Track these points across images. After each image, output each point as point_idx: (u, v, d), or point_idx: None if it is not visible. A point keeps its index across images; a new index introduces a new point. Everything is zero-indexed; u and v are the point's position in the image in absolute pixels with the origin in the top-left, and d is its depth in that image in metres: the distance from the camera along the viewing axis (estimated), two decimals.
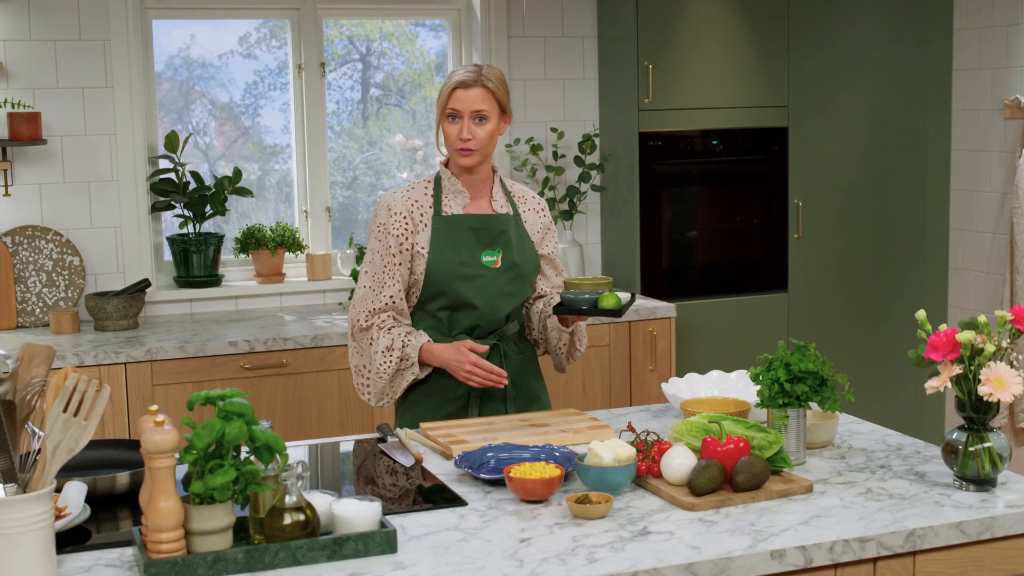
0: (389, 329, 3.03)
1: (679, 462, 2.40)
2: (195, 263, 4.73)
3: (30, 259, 4.52)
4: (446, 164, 3.13)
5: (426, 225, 3.06)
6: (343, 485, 2.62)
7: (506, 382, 2.99)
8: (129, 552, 2.14)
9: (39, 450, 2.06)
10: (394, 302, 3.05)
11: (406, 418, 3.12)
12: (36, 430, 2.13)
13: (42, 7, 4.49)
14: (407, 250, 3.04)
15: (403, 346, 3.01)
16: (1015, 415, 5.04)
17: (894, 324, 5.38)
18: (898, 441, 2.79)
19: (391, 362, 3.01)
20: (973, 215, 5.36)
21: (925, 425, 5.43)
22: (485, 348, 2.99)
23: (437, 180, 3.12)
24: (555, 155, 5.12)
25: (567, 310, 2.99)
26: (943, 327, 2.42)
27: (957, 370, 2.38)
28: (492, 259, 3.08)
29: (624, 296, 3.02)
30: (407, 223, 3.05)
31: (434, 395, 3.09)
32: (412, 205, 3.07)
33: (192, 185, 4.73)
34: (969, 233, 5.39)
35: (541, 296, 3.24)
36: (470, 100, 3.01)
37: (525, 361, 3.18)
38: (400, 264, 3.04)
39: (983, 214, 5.30)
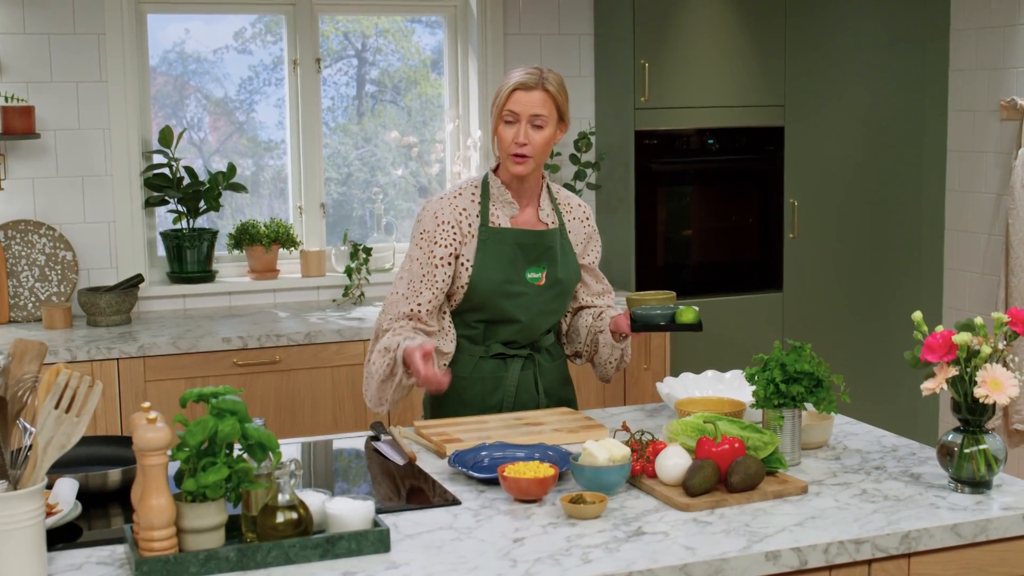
0: (397, 332, 2.89)
1: (674, 462, 2.39)
2: (188, 259, 4.71)
3: (23, 253, 4.50)
4: (494, 169, 3.02)
5: (473, 236, 2.95)
6: (336, 483, 2.61)
7: (441, 385, 2.76)
8: (120, 550, 2.13)
9: (30, 446, 2.05)
10: (420, 311, 2.91)
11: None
12: (28, 426, 2.12)
13: (36, 0, 4.47)
14: (451, 263, 2.93)
15: (397, 347, 2.85)
16: (1010, 417, 5.04)
17: (889, 324, 5.38)
18: (893, 442, 2.78)
19: (383, 364, 2.89)
20: (968, 216, 5.35)
21: (919, 426, 5.43)
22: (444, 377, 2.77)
23: (484, 186, 3.00)
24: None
25: (646, 327, 2.91)
26: (939, 328, 2.41)
27: (953, 372, 2.37)
28: (537, 276, 2.99)
29: (696, 309, 2.97)
30: (455, 233, 2.93)
31: (469, 405, 3.00)
32: (460, 214, 2.95)
33: (186, 180, 4.72)
34: (964, 234, 5.38)
35: (585, 307, 3.15)
36: (530, 103, 2.89)
37: (557, 369, 3.12)
38: (439, 276, 2.92)
39: (978, 215, 5.30)
